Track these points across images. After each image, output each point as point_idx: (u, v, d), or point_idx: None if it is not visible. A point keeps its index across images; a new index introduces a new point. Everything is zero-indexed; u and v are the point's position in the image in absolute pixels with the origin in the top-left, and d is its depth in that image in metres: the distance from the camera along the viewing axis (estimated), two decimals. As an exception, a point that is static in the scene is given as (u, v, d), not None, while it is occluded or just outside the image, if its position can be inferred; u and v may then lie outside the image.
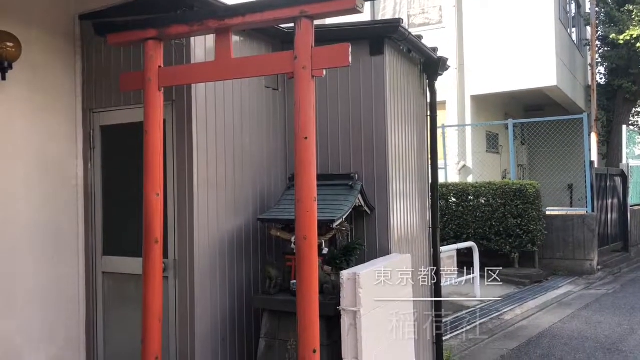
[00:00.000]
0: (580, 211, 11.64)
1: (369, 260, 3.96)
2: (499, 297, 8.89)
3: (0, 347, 3.58)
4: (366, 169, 4.16)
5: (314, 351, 2.81)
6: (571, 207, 13.99)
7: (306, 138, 2.84)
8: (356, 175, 3.98)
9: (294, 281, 3.75)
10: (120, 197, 4.10)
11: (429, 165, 5.28)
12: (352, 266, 3.66)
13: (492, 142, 15.16)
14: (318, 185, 4.06)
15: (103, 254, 4.11)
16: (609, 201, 12.75)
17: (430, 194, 5.24)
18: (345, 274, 3.25)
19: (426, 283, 5.01)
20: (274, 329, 3.65)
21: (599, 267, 11.19)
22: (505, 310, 8.03)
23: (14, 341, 3.65)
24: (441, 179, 13.08)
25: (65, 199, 4.03)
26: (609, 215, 12.72)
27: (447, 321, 7.25)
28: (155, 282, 3.27)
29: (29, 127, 3.80)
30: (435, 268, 5.10)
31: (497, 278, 10.20)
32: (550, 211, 11.71)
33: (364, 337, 3.18)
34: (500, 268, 10.57)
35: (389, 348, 3.55)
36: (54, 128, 3.97)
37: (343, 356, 3.22)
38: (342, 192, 3.93)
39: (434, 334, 5.13)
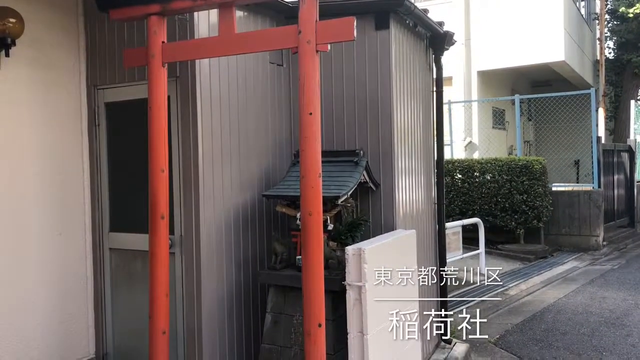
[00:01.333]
0: (587, 187, 11.61)
1: (374, 236, 3.97)
2: (504, 273, 8.93)
3: (7, 322, 3.63)
4: (371, 145, 4.15)
5: (319, 325, 2.84)
6: (577, 183, 13.96)
7: (311, 114, 2.83)
8: (361, 152, 3.97)
9: (300, 257, 3.78)
10: (126, 173, 4.11)
11: (435, 141, 5.26)
12: (357, 242, 3.67)
13: (499, 118, 15.08)
14: (323, 162, 4.06)
15: (110, 230, 4.14)
16: (616, 177, 12.70)
17: (435, 170, 5.23)
18: (350, 249, 3.26)
19: (431, 257, 5.04)
20: (280, 303, 3.68)
21: (605, 242, 11.19)
22: (510, 285, 8.07)
23: (21, 316, 3.70)
24: (447, 155, 13.05)
25: (71, 176, 4.05)
26: (616, 191, 12.69)
27: (451, 296, 7.29)
28: (162, 258, 3.29)
29: (33, 104, 3.80)
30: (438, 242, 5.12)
31: (502, 254, 10.29)
32: (556, 187, 11.69)
33: (369, 312, 3.21)
34: (506, 244, 10.63)
35: (395, 322, 3.58)
36: (58, 105, 3.97)
37: (348, 330, 3.25)
38: (347, 169, 3.92)
39: (439, 309, 5.16)
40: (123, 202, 4.13)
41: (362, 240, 3.73)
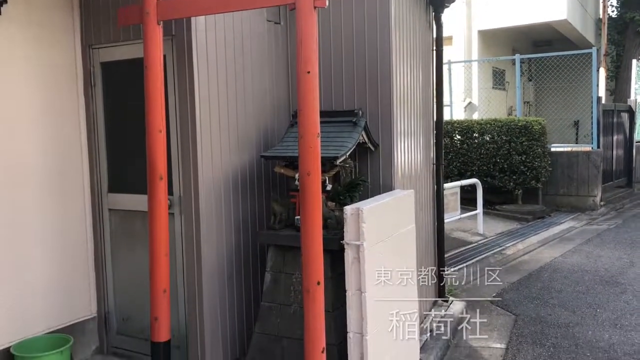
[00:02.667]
0: (586, 147, 11.62)
1: (372, 196, 3.98)
2: (501, 233, 9.01)
3: (10, 284, 3.67)
4: (370, 105, 4.12)
5: (318, 283, 2.88)
6: (576, 143, 13.95)
7: (309, 72, 2.80)
8: (360, 112, 3.95)
9: (298, 217, 3.79)
10: (124, 134, 4.10)
11: (434, 102, 5.23)
12: (356, 202, 3.68)
13: (499, 79, 14.97)
14: (321, 122, 4.04)
15: (108, 191, 4.14)
16: (615, 137, 12.68)
17: (434, 131, 5.22)
18: (348, 209, 3.27)
19: (429, 217, 5.08)
20: (279, 263, 3.72)
21: (602, 203, 11.26)
22: (507, 245, 8.15)
23: (21, 277, 3.74)
24: (446, 116, 12.99)
25: (68, 138, 4.03)
26: (614, 152, 12.70)
27: (450, 256, 7.40)
28: (161, 218, 3.31)
29: (27, 64, 3.75)
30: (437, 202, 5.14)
31: (500, 214, 10.36)
32: (555, 148, 11.69)
33: (367, 270, 3.24)
34: (504, 205, 10.69)
35: (392, 279, 3.62)
36: (53, 65, 3.92)
37: (347, 288, 3.29)
38: (345, 129, 3.91)
39: (437, 267, 5.23)
40: (121, 163, 4.12)
41: (360, 200, 3.75)
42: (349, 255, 3.28)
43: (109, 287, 4.20)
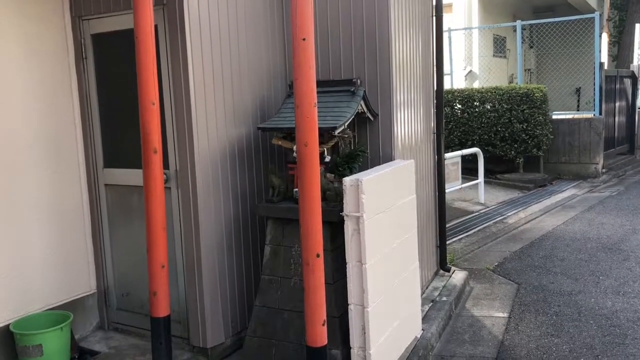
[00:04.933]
0: (587, 114, 11.51)
1: (372, 167, 3.92)
2: (502, 202, 8.97)
3: (8, 262, 3.63)
4: (369, 73, 4.03)
5: (317, 255, 2.83)
6: (578, 110, 13.82)
7: (304, 39, 2.71)
8: (358, 81, 3.85)
9: (297, 189, 3.73)
10: (117, 108, 4.01)
11: (434, 70, 5.12)
12: (355, 173, 3.62)
13: (500, 46, 14.78)
14: (319, 92, 3.94)
15: (104, 166, 4.08)
16: (617, 104, 12.56)
17: (435, 99, 5.12)
18: (347, 180, 3.21)
19: (430, 187, 5.02)
20: (278, 235, 3.68)
21: (604, 170, 11.20)
22: (508, 214, 8.11)
23: (20, 254, 3.70)
24: (447, 85, 12.86)
25: (62, 113, 3.95)
26: (616, 118, 12.58)
27: (451, 226, 7.37)
28: (157, 192, 3.24)
29: (15, 37, 3.65)
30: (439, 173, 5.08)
31: (502, 183, 10.31)
32: (557, 115, 11.58)
33: (367, 242, 3.19)
34: (505, 173, 10.63)
35: (393, 251, 3.58)
36: (43, 38, 3.82)
37: (347, 260, 3.25)
38: (344, 99, 3.82)
39: (438, 238, 5.19)
40: (116, 138, 4.05)
41: (360, 171, 3.69)
42: (348, 227, 3.23)
43: (108, 263, 4.17)
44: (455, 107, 11.01)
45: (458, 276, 5.16)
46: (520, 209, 8.42)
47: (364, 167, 3.94)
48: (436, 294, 4.73)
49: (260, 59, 4.04)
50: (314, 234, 2.83)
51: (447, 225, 7.11)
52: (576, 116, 11.80)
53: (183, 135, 3.59)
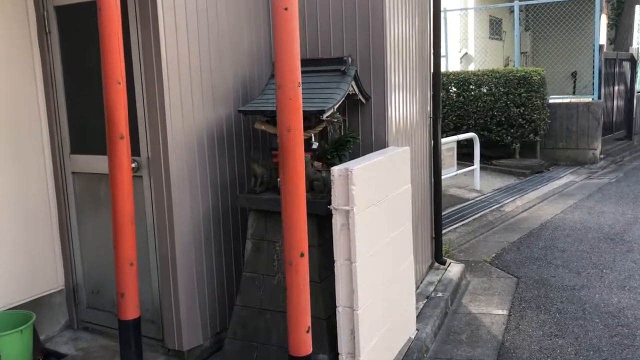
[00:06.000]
0: (586, 99, 11.21)
1: (364, 154, 3.60)
2: (499, 189, 8.69)
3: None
4: (361, 53, 3.69)
5: (302, 255, 2.51)
6: (574, 95, 13.54)
7: (286, 9, 2.37)
8: (349, 59, 3.51)
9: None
10: (85, 88, 3.65)
11: (431, 51, 4.78)
12: (345, 161, 3.30)
13: (495, 28, 14.45)
14: (306, 72, 3.60)
15: (71, 152, 3.73)
16: (616, 88, 12.26)
17: (431, 82, 4.79)
18: (336, 169, 2.89)
19: (426, 175, 4.71)
20: (260, 229, 3.36)
21: (602, 156, 10.94)
22: (505, 201, 7.83)
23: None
24: (442, 68, 12.51)
25: (24, 94, 3.59)
26: (615, 102, 12.29)
27: (446, 214, 7.07)
28: (124, 183, 2.91)
29: (-31, 8, 3.28)
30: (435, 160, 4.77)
31: (498, 169, 10.02)
32: (554, 99, 11.27)
33: (357, 238, 2.88)
34: (501, 159, 10.34)
35: (386, 247, 3.28)
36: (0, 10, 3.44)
37: (335, 258, 2.94)
38: (333, 79, 3.48)
39: (433, 228, 4.90)
40: (84, 120, 3.69)
41: (351, 159, 3.37)
42: (337, 222, 2.91)
43: (77, 257, 3.84)
44: (451, 91, 10.69)
45: (454, 269, 4.87)
46: (517, 197, 8.14)
47: (355, 155, 3.63)
48: (431, 289, 4.44)
49: (241, 33, 3.68)
50: (298, 230, 2.51)
51: (442, 214, 6.83)
52: (574, 100, 11.51)
53: (155, 119, 3.25)
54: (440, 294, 4.33)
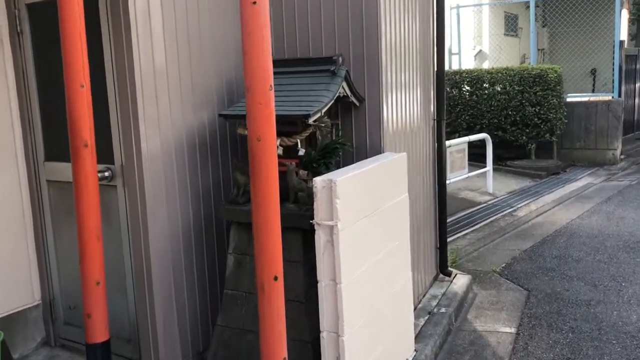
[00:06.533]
0: (605, 97, 10.78)
1: (359, 160, 3.33)
2: (512, 191, 8.34)
3: None
4: (354, 51, 3.41)
5: (275, 278, 2.25)
6: (593, 93, 13.10)
7: (254, 3, 2.10)
8: (340, 58, 3.23)
9: (264, 188, 3.16)
10: (59, 91, 3.38)
11: (434, 48, 4.48)
12: (332, 170, 3.02)
13: (511, 24, 14.05)
14: (294, 72, 3.34)
15: (45, 159, 3.51)
16: (637, 85, 11.80)
17: (435, 81, 4.49)
18: (318, 180, 2.61)
19: (429, 181, 4.41)
20: (243, 243, 3.10)
21: (622, 156, 10.51)
22: (519, 205, 7.49)
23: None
24: (454, 66, 12.16)
25: (-6, 96, 3.38)
26: (636, 100, 11.85)
27: (455, 219, 6.77)
28: (89, 195, 2.67)
29: None
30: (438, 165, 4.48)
31: (512, 170, 9.64)
32: (572, 98, 10.85)
33: (343, 256, 2.60)
34: (515, 160, 9.98)
35: (379, 264, 2.99)
36: (-33, 8, 3.23)
37: (318, 278, 2.67)
38: (322, 80, 3.21)
39: (437, 238, 4.60)
40: (58, 125, 3.45)
41: (343, 167, 3.09)
42: (320, 238, 2.64)
43: (53, 270, 3.61)
44: (464, 89, 10.35)
45: (460, 281, 4.57)
46: (531, 200, 7.78)
47: (348, 161, 3.36)
48: (434, 303, 4.14)
49: (224, 30, 3.42)
50: (271, 250, 2.25)
51: (451, 219, 6.52)
52: (593, 98, 11.07)
53: (128, 124, 3.00)
54: (443, 310, 4.03)
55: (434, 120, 4.47)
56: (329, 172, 2.94)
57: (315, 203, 2.63)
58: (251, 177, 2.23)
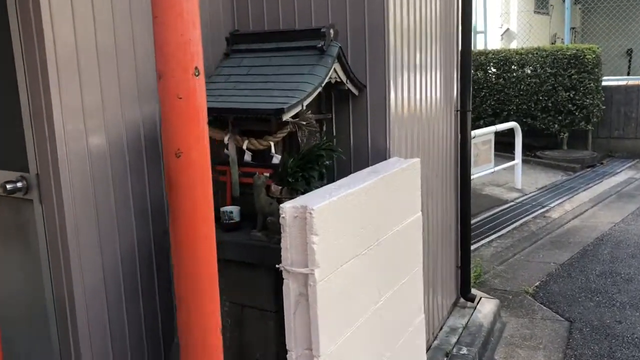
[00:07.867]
0: (647, 80, 9.76)
1: (357, 169, 2.52)
2: (544, 187, 7.44)
3: None
4: (352, 23, 2.59)
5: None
6: (628, 75, 12.07)
7: None
8: (330, 31, 2.41)
9: (225, 209, 2.37)
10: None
11: (459, 23, 3.62)
12: (316, 185, 2.21)
13: (541, 1, 13.05)
14: (267, 50, 2.53)
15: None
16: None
17: (459, 64, 3.64)
18: (287, 208, 1.80)
19: (450, 188, 3.59)
20: (198, 280, 2.31)
21: (667, 146, 9.50)
22: (551, 204, 6.60)
23: None
24: (480, 45, 11.21)
25: None
26: (681, 85, 10.76)
27: (479, 221, 5.93)
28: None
29: None
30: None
31: (542, 162, 8.71)
32: (607, 82, 9.84)
33: (321, 316, 1.80)
34: (546, 150, 9.07)
35: (378, 313, 2.19)
36: None
37: (288, 347, 1.87)
38: (307, 60, 2.39)
39: (459, 256, 3.78)
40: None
41: (338, 178, 2.29)
42: (290, 291, 1.83)
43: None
44: (489, 72, 9.42)
45: (486, 309, 3.75)
46: (565, 198, 6.89)
47: (345, 170, 2.57)
48: (453, 340, 3.34)
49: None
50: (199, 312, 1.47)
51: (473, 221, 5.68)
52: (632, 82, 10.04)
53: (41, 125, 2.22)
54: (464, 350, 3.23)
55: (458, 111, 3.62)
56: (310, 189, 2.14)
57: (283, 241, 1.82)
58: (170, 213, 1.44)
